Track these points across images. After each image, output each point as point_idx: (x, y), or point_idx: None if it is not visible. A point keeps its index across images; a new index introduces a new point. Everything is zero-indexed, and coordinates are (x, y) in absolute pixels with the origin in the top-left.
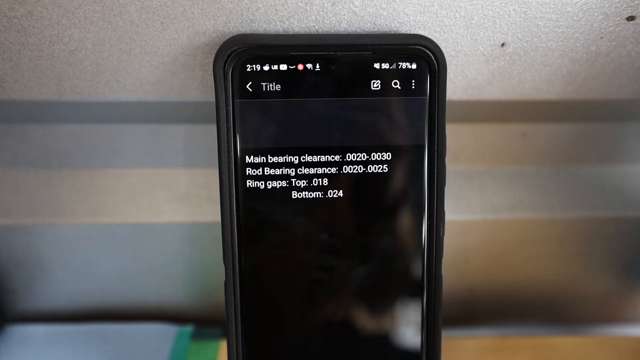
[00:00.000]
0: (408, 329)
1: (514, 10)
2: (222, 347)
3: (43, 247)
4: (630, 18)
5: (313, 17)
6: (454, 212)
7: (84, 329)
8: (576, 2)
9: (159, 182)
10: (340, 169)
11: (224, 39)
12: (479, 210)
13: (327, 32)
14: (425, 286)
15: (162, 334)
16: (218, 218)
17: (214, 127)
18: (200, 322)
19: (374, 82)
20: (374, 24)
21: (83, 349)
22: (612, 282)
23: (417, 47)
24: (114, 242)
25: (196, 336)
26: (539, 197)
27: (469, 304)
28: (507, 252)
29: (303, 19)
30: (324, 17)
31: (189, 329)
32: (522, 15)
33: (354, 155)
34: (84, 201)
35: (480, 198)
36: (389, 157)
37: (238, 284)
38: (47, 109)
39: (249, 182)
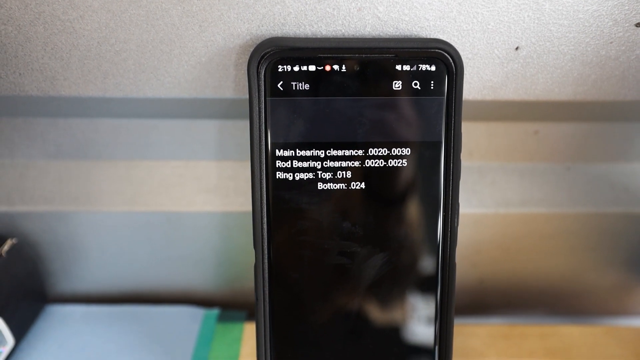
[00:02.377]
0: (423, 313)
1: (528, 16)
2: (247, 329)
3: (82, 233)
4: (639, 24)
5: (340, 22)
6: (467, 206)
7: (118, 310)
8: (587, 9)
9: (190, 173)
10: (362, 162)
11: (258, 42)
12: (492, 204)
13: (353, 35)
14: (440, 273)
15: (191, 317)
16: (244, 208)
17: (244, 123)
18: (226, 306)
19: (395, 83)
20: (397, 28)
21: (117, 329)
22: (618, 276)
23: (436, 50)
24: (147, 229)
25: (222, 319)
26: (550, 192)
27: (480, 294)
28: (517, 245)
29: (330, 24)
30: (349, 22)
31: (215, 312)
32: (536, 21)
33: (375, 150)
34: (120, 191)
35: (493, 192)
36: (408, 152)
37: (267, 267)
38: (91, 105)
39: (279, 173)
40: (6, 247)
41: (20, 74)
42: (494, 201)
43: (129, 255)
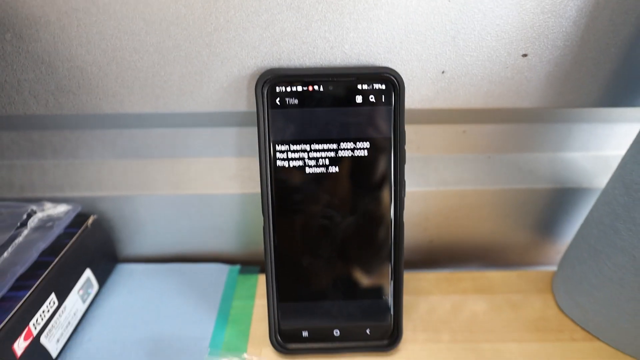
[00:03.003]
0: (382, 256)
1: (448, 49)
2: (260, 279)
3: (141, 211)
4: (524, 55)
5: (318, 56)
6: (417, 186)
7: (167, 267)
8: (488, 44)
9: (217, 166)
10: (336, 153)
11: (261, 72)
12: (435, 184)
13: (327, 65)
14: (393, 229)
15: (219, 271)
16: (256, 190)
17: (255, 129)
18: (244, 263)
19: (357, 97)
20: (358, 59)
21: (167, 280)
22: (528, 236)
23: (385, 74)
24: (187, 207)
25: (242, 272)
26: (476, 174)
27: (429, 251)
28: (455, 213)
29: (312, 58)
30: (325, 57)
31: (237, 267)
32: (455, 53)
33: (345, 144)
34: (167, 180)
35: (436, 175)
36: (368, 145)
37: (271, 227)
38: (147, 119)
39: (278, 162)
40: (90, 220)
41: (99, 99)
42: (436, 182)
43: (174, 227)
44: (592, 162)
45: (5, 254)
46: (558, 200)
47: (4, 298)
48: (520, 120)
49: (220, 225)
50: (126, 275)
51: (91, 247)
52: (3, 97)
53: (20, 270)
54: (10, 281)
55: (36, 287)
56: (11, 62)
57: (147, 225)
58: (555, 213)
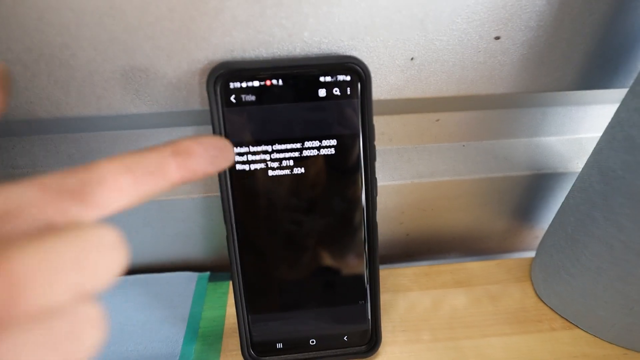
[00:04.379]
0: (356, 261)
1: (417, 34)
2: (231, 285)
3: None
4: (497, 37)
5: (275, 46)
6: (390, 179)
7: (131, 278)
8: (459, 27)
9: None
10: (301, 153)
11: (213, 65)
12: (409, 176)
13: (286, 56)
14: (366, 231)
15: (187, 279)
16: (218, 193)
17: (210, 128)
18: (214, 269)
19: (320, 91)
20: (319, 48)
21: (131, 293)
22: (506, 224)
23: (350, 64)
24: (146, 215)
25: (212, 279)
26: (451, 165)
27: (406, 245)
28: (431, 205)
29: (268, 48)
30: (283, 46)
31: (206, 274)
32: (424, 38)
33: (310, 143)
34: None
35: (409, 168)
36: (335, 142)
37: (235, 236)
38: (89, 122)
39: (238, 165)
40: None
41: (31, 102)
42: (410, 174)
43: (134, 236)
44: (567, 146)
45: None
46: (535, 186)
47: None
48: (495, 107)
49: (185, 232)
50: None
51: None
52: None
53: None
54: None
55: None
56: None
57: None
58: (532, 199)
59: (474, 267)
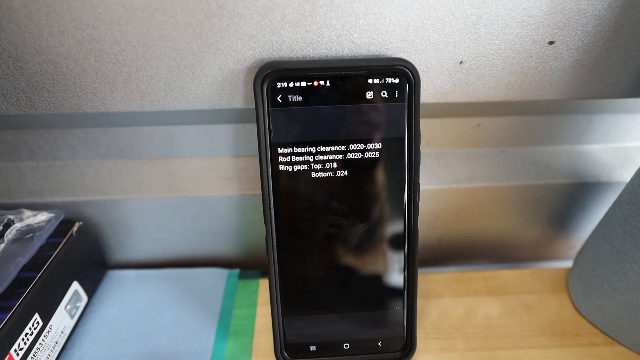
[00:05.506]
0: (395, 266)
1: (468, 37)
2: (261, 284)
3: (130, 215)
4: (551, 42)
5: (324, 47)
6: (427, 183)
7: (162, 272)
8: (512, 32)
9: (212, 166)
10: (345, 155)
11: (260, 64)
12: (446, 181)
13: (334, 57)
14: (406, 236)
15: (217, 276)
16: (255, 192)
17: (252, 126)
18: (243, 267)
19: (368, 93)
20: (368, 50)
21: (162, 287)
22: (541, 232)
23: (399, 66)
24: (180, 210)
25: (241, 277)
26: (489, 170)
27: (439, 249)
28: (466, 211)
29: (316, 48)
30: (331, 46)
31: (236, 271)
32: (474, 41)
33: (354, 146)
34: (158, 182)
35: (447, 172)
36: (380, 146)
37: (274, 237)
38: (133, 117)
39: (281, 166)
40: (75, 228)
41: (78, 96)
42: (447, 179)
43: (167, 231)
44: (612, 155)
45: None
46: (575, 194)
47: None
48: (538, 113)
49: (217, 228)
50: (117, 283)
51: (78, 257)
52: None
53: (2, 286)
54: None
55: (17, 309)
56: None
57: (137, 229)
58: (571, 208)
59: (507, 275)
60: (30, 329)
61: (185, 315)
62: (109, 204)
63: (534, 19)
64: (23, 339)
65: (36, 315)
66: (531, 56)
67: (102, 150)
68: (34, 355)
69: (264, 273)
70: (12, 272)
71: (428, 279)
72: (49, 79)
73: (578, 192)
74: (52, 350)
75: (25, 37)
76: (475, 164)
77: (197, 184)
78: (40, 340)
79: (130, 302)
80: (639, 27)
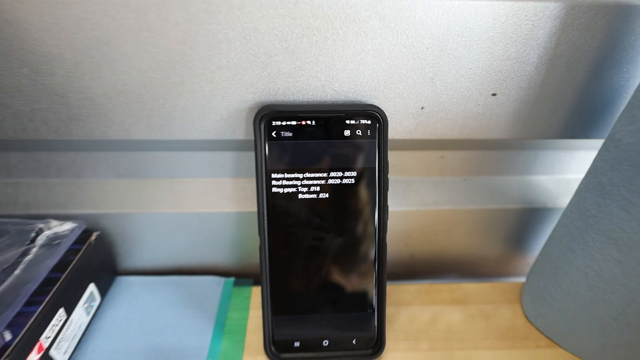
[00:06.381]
0: (367, 275)
1: (427, 89)
2: (253, 290)
3: (140, 227)
4: (494, 94)
5: (311, 93)
6: (399, 206)
7: (165, 279)
8: (462, 84)
9: (214, 187)
10: (326, 181)
11: (259, 106)
12: (415, 204)
13: (319, 102)
14: (377, 250)
15: (215, 283)
16: (250, 209)
17: (251, 154)
18: (238, 275)
19: (345, 131)
20: (346, 97)
21: (165, 292)
22: (500, 250)
23: (371, 111)
24: (184, 224)
25: (236, 284)
26: (452, 196)
27: (411, 264)
28: (434, 230)
29: (305, 94)
30: (317, 94)
31: (231, 279)
32: (433, 92)
33: (334, 173)
34: (166, 199)
35: (416, 197)
36: (355, 174)
37: (267, 247)
38: (150, 144)
39: (274, 188)
40: (93, 237)
41: (107, 126)
42: (417, 202)
43: (172, 242)
44: (555, 185)
45: (17, 271)
46: (526, 218)
47: (18, 314)
48: (492, 148)
49: (216, 241)
50: (125, 288)
51: (94, 262)
52: (16, 123)
53: (32, 287)
54: (24, 298)
55: (46, 303)
56: (26, 93)
57: (145, 240)
58: (523, 230)
59: (470, 287)
60: (56, 320)
61: (186, 316)
62: (123, 217)
63: (479, 76)
64: (50, 329)
65: (61, 310)
66: (479, 104)
67: (121, 170)
68: (57, 345)
69: (256, 282)
70: (43, 272)
71: (400, 290)
72: (85, 112)
73: (528, 216)
74: (71, 342)
75: (71, 80)
76: (441, 190)
77: (200, 201)
78: (63, 332)
79: (137, 304)
80: (561, 85)
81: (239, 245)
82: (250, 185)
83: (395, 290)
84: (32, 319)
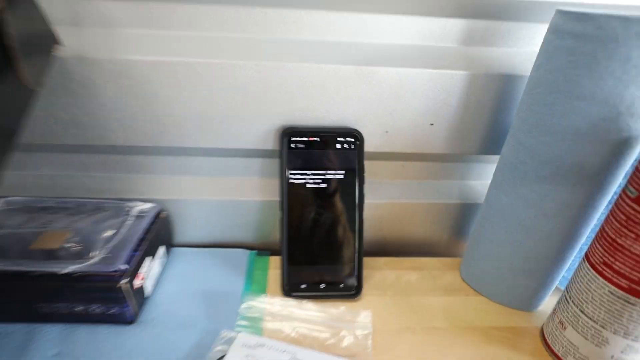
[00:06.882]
0: (351, 239)
1: (389, 119)
2: (271, 259)
3: (191, 211)
4: (432, 124)
5: (316, 121)
6: (373, 199)
7: (206, 250)
8: (411, 117)
9: (246, 183)
10: (324, 176)
11: (284, 127)
12: (385, 198)
13: (321, 126)
14: (357, 222)
15: (243, 253)
16: (272, 199)
17: (275, 160)
18: (259, 249)
19: (337, 145)
20: (339, 123)
21: (208, 259)
22: (445, 235)
23: (354, 132)
24: (223, 209)
25: (258, 254)
26: (412, 193)
27: (383, 244)
28: (400, 218)
29: (313, 121)
30: (321, 121)
31: (254, 252)
32: (392, 121)
33: (330, 172)
34: (211, 191)
35: (385, 192)
36: (343, 172)
37: (286, 219)
38: (202, 150)
39: (291, 180)
40: (163, 215)
41: (184, 138)
42: (386, 197)
43: (213, 222)
44: (483, 187)
45: (124, 230)
46: (463, 211)
47: (130, 255)
48: (437, 160)
49: (244, 222)
50: (180, 255)
51: (163, 232)
52: (120, 133)
53: (134, 240)
54: (130, 245)
55: (142, 251)
56: (135, 118)
57: (194, 220)
58: (462, 219)
59: (425, 260)
60: (147, 262)
61: (224, 273)
62: (180, 203)
63: (420, 111)
64: (144, 267)
65: (148, 258)
66: (424, 130)
67: (181, 170)
68: (146, 278)
69: (272, 253)
70: (139, 233)
71: (375, 261)
72: (172, 128)
73: (465, 209)
74: (153, 280)
75: (165, 107)
76: (402, 188)
77: (235, 193)
78: (149, 272)
79: (189, 266)
80: (475, 118)
81: (260, 226)
82: (271, 181)
83: (371, 261)
84: (136, 259)
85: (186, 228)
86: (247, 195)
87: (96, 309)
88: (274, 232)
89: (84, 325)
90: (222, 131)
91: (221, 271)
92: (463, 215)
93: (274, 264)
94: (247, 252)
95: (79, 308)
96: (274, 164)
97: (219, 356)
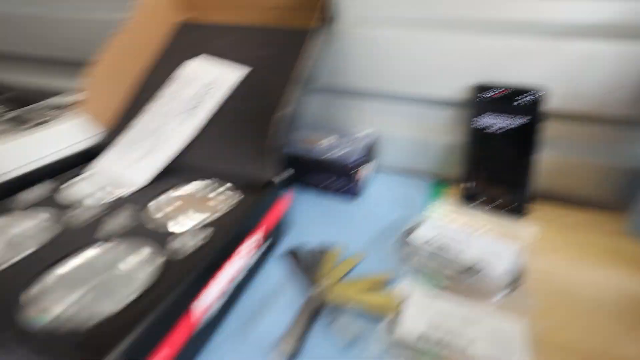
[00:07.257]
0: (523, 175)
1: (573, 84)
2: (452, 187)
3: (392, 142)
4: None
5: (508, 80)
6: (547, 151)
7: (399, 174)
8: (594, 81)
9: (440, 128)
10: (505, 123)
11: (476, 84)
12: (559, 153)
13: (508, 84)
14: (530, 164)
15: (431, 178)
16: (459, 140)
17: (453, 110)
18: (440, 179)
19: (518, 100)
20: (526, 82)
21: (402, 178)
22: (614, 201)
23: (534, 90)
24: (417, 145)
25: (439, 183)
26: (587, 153)
27: (549, 196)
28: (568, 175)
29: (504, 80)
30: (510, 80)
31: (436, 180)
32: (574, 86)
33: (510, 121)
34: (411, 125)
35: (558, 149)
36: (523, 122)
37: (470, 154)
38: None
39: (477, 127)
40: (376, 140)
41: (398, 83)
42: (560, 153)
43: (409, 153)
44: None
45: (356, 143)
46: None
47: (358, 157)
48: (615, 124)
49: (434, 157)
50: (382, 174)
51: (375, 151)
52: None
53: (361, 148)
54: (359, 151)
55: (364, 157)
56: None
57: (396, 149)
58: (630, 186)
59: (590, 212)
60: (365, 167)
61: (416, 185)
62: (388, 135)
63: (604, 79)
64: (365, 168)
65: (366, 164)
66: (605, 94)
67: (391, 112)
68: (365, 175)
69: (449, 182)
70: (364, 147)
71: (541, 203)
72: (398, 74)
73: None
74: (368, 178)
75: (399, 60)
76: (578, 148)
77: (431, 132)
78: (367, 172)
79: (391, 177)
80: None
81: (446, 161)
82: (459, 127)
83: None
84: (361, 160)
85: (389, 154)
86: (438, 136)
87: (338, 183)
88: (456, 168)
89: (330, 193)
90: (430, 83)
91: (413, 184)
92: (632, 181)
93: (454, 190)
94: (434, 178)
95: (329, 181)
96: (462, 114)
97: (415, 224)
